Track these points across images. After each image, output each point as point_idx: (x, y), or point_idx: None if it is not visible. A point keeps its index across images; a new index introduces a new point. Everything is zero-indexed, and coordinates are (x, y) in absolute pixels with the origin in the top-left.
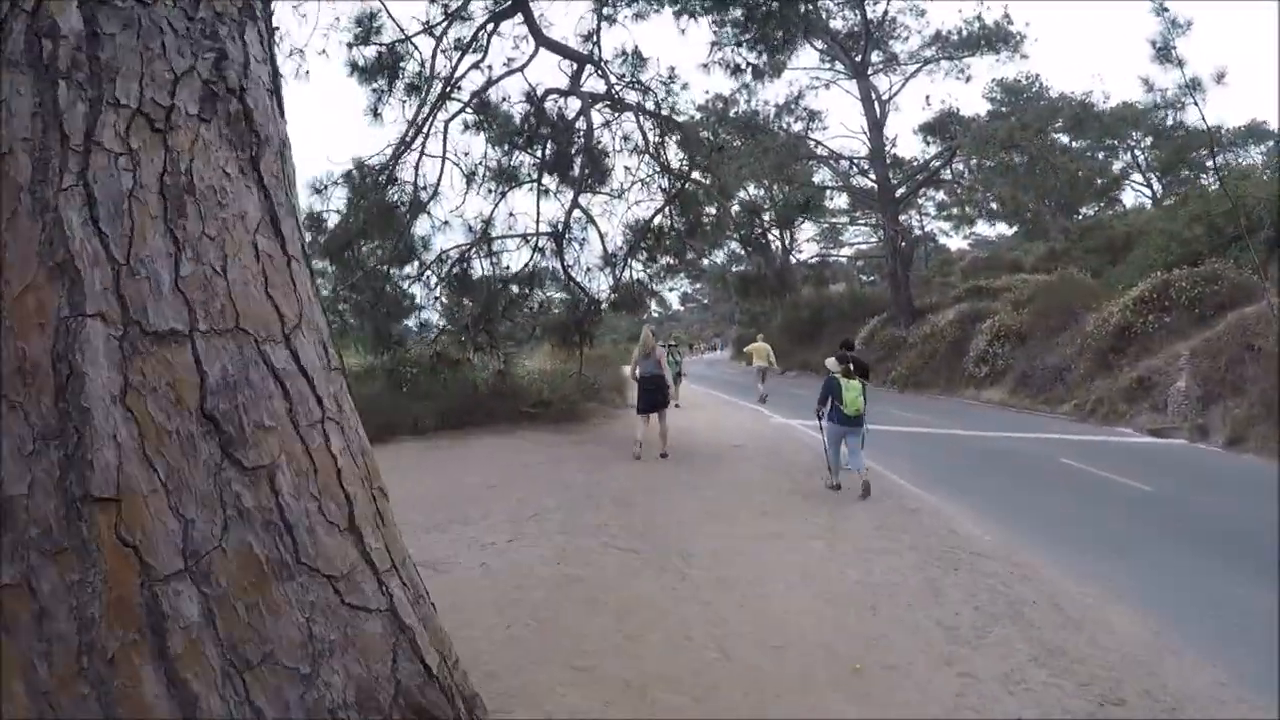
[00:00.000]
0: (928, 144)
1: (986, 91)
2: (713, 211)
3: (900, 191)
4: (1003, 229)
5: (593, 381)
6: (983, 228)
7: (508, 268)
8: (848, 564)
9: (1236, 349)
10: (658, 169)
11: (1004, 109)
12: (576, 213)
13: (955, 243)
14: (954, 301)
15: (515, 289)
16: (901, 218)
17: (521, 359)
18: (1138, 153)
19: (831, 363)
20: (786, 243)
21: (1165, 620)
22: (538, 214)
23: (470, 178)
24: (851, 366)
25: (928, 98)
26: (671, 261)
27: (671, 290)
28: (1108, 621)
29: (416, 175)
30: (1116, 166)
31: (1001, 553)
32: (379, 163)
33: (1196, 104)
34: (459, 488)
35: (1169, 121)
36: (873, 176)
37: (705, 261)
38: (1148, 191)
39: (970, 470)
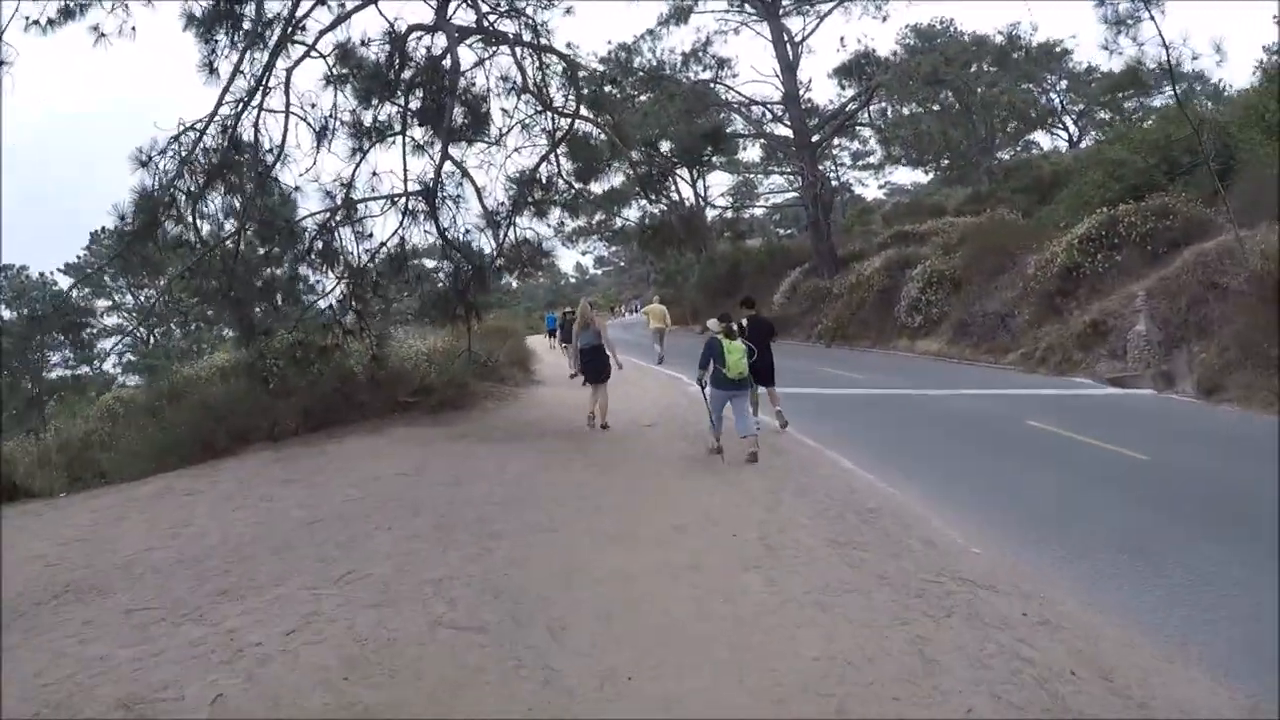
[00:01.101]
0: (843, 88)
1: (900, 38)
2: (607, 155)
3: (817, 137)
4: (918, 177)
5: (485, 359)
6: (899, 175)
7: (371, 235)
8: (799, 618)
9: (1198, 288)
10: (540, 109)
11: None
12: (449, 167)
13: (871, 192)
14: (879, 249)
15: (384, 260)
16: (818, 167)
17: (409, 340)
18: (1054, 95)
19: (712, 323)
20: (697, 189)
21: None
22: (405, 172)
23: (321, 134)
24: (736, 326)
25: (842, 39)
26: (566, 218)
27: (585, 254)
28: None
29: (257, 135)
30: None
31: (1003, 579)
32: (217, 124)
33: (1153, 18)
34: (268, 531)
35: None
36: (787, 122)
37: (619, 222)
38: (1064, 135)
39: (927, 442)
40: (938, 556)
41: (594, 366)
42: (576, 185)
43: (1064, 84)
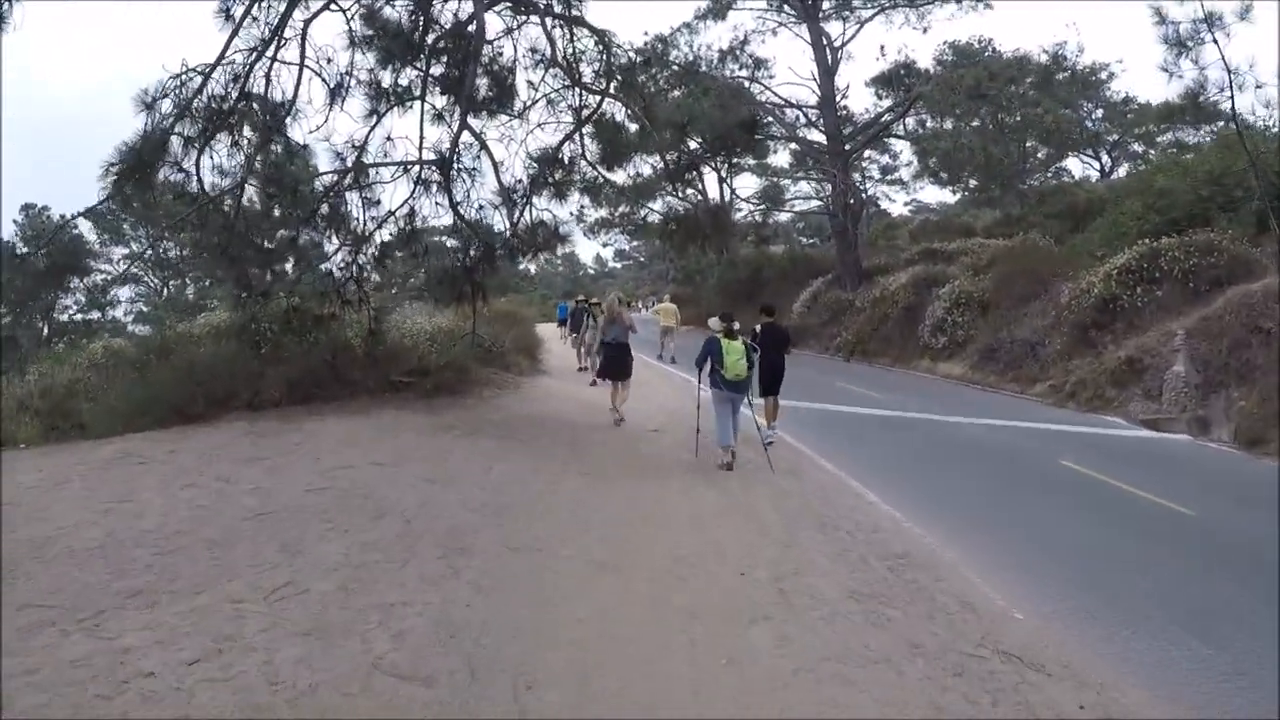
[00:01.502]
0: (880, 97)
1: (938, 54)
2: (634, 141)
3: (850, 145)
4: (945, 197)
5: (489, 344)
6: (926, 194)
7: (379, 202)
8: (816, 695)
9: (1240, 330)
10: (568, 84)
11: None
12: (467, 138)
13: (896, 208)
14: (905, 265)
15: (392, 230)
16: (850, 176)
17: (413, 317)
18: (1088, 124)
19: (714, 322)
20: (723, 178)
21: None
22: (420, 140)
23: (336, 91)
24: (755, 330)
25: (882, 48)
26: (587, 204)
27: (606, 245)
28: None
29: (268, 85)
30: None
31: (1051, 656)
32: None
33: (1215, 42)
34: (211, 518)
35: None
36: (822, 127)
37: (642, 213)
38: (1095, 164)
39: (957, 476)
40: (976, 622)
41: (620, 363)
42: (599, 169)
43: (1100, 112)
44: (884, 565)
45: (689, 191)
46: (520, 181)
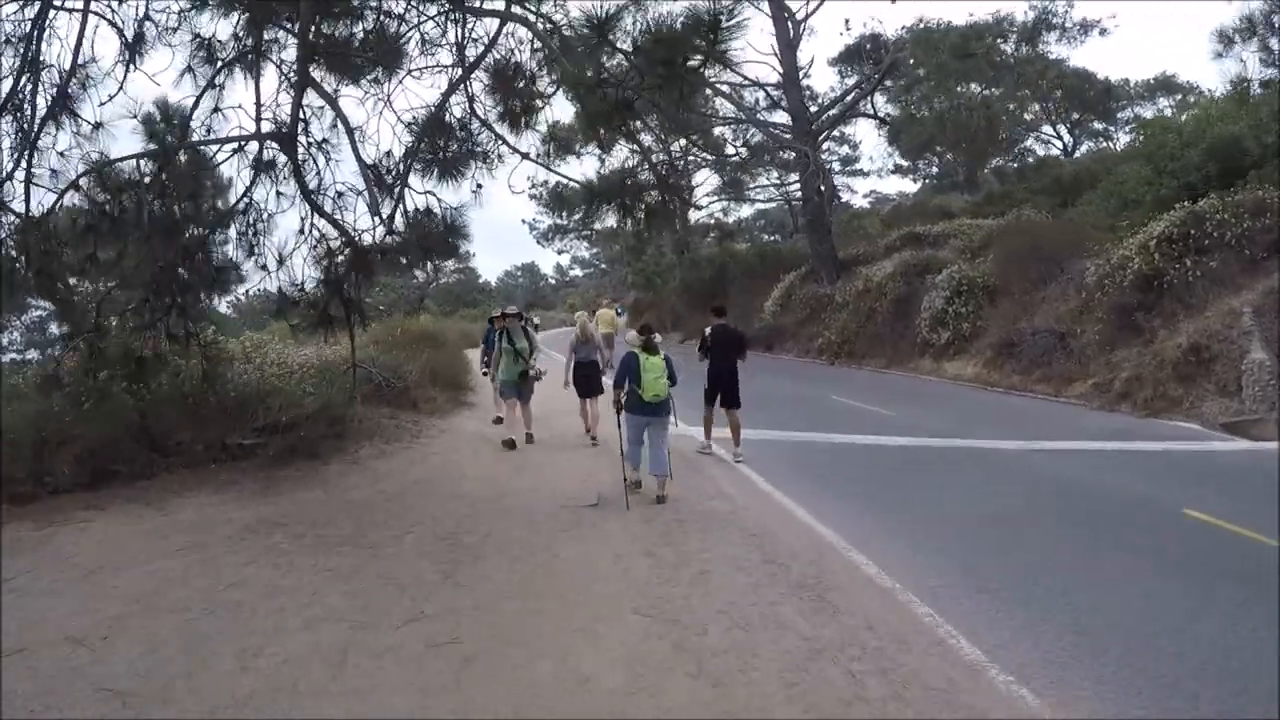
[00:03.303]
0: (843, 76)
1: (912, 24)
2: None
3: (826, 117)
4: (905, 186)
5: (383, 380)
6: (885, 185)
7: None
8: None
9: None
10: (448, 8)
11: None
12: (315, 99)
13: (857, 200)
14: (887, 252)
15: (228, 232)
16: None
17: (274, 345)
18: (1048, 104)
19: (631, 336)
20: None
21: None
22: (258, 108)
23: (133, 45)
24: (706, 333)
25: (847, 21)
26: (484, 174)
27: (561, 253)
28: None
29: (38, 37)
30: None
31: None
32: None
33: None
34: None
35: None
36: (785, 106)
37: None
38: (1058, 143)
39: (1049, 551)
40: None
41: (591, 381)
42: (497, 131)
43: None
44: None
45: (624, 138)
46: (385, 157)
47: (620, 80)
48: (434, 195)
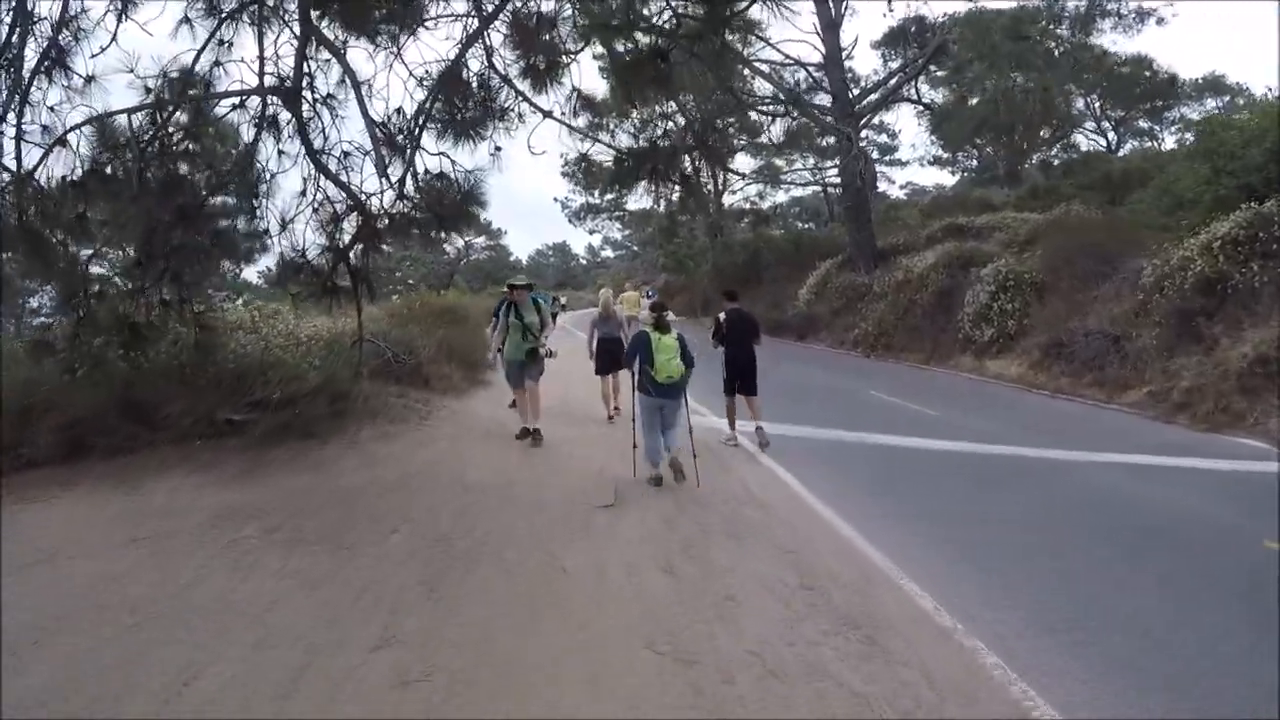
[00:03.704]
0: (886, 60)
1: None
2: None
3: (867, 101)
4: (943, 179)
5: (394, 355)
6: (922, 176)
7: (197, 153)
8: None
9: None
10: None
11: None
12: (322, 54)
13: (894, 191)
14: (928, 243)
15: (227, 195)
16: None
17: (278, 316)
18: (1094, 98)
19: (645, 314)
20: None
21: None
22: (260, 61)
23: None
24: (719, 318)
25: (890, 2)
26: (504, 133)
27: (592, 233)
28: None
29: None
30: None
31: None
32: None
33: None
34: None
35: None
36: (827, 87)
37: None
38: (1101, 140)
39: (1170, 608)
40: None
41: (613, 357)
42: (519, 88)
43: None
44: None
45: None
46: (397, 113)
47: (653, 25)
48: (448, 157)
